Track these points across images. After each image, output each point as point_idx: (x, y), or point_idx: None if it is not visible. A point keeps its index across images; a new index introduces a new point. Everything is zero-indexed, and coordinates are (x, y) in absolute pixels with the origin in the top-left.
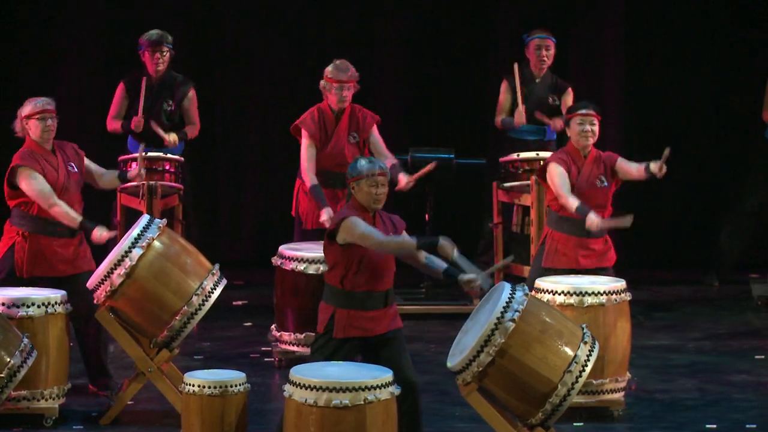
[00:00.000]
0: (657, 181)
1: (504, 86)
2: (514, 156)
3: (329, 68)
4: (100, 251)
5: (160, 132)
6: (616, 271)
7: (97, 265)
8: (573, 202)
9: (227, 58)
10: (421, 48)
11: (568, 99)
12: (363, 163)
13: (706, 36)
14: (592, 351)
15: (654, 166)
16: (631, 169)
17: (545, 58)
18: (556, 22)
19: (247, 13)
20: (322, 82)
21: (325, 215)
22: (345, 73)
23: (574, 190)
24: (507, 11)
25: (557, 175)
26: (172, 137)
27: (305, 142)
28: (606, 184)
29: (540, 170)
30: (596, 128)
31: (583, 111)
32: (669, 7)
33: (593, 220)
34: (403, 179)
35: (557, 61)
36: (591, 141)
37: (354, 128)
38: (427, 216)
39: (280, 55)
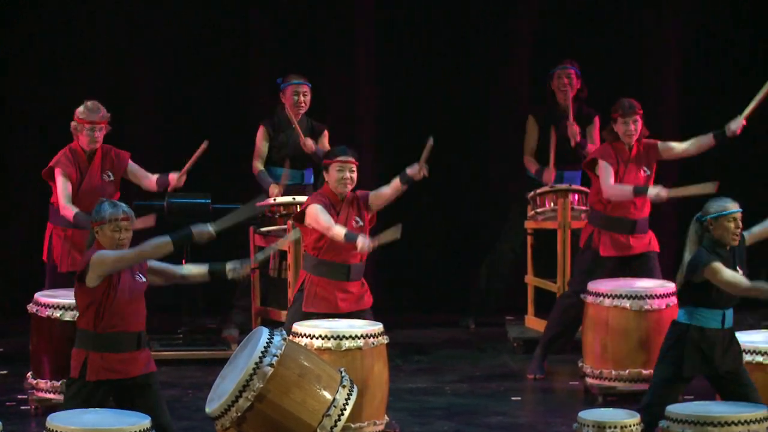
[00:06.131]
0: (414, 222)
1: (261, 132)
2: (271, 200)
3: (80, 109)
4: None
5: None
6: (374, 314)
7: None
8: (340, 230)
9: None
10: (177, 92)
11: (325, 141)
12: (106, 207)
13: (463, 75)
14: (351, 394)
15: (411, 170)
16: (385, 193)
17: (302, 104)
18: (311, 63)
19: (6, 53)
20: (73, 123)
21: None
22: (96, 114)
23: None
24: (266, 54)
25: (320, 212)
26: None
27: (61, 180)
28: (361, 224)
29: (297, 215)
30: (355, 175)
31: (342, 157)
32: (421, 45)
33: (363, 242)
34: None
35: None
36: (349, 187)
37: (108, 167)
38: (183, 261)
39: (34, 98)
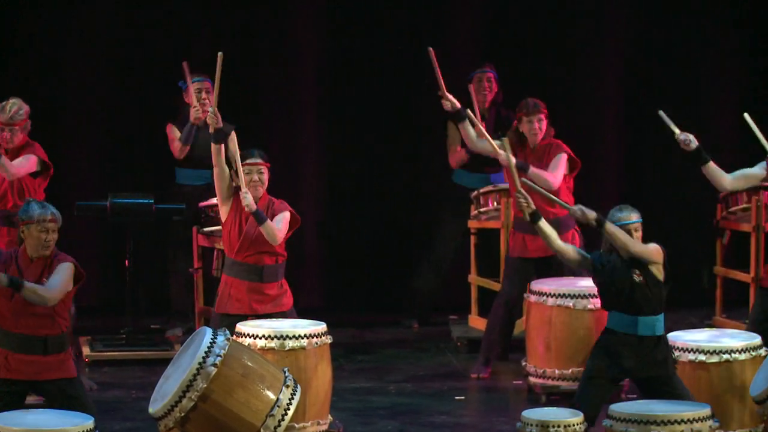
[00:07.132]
0: (355, 223)
1: (170, 128)
2: (214, 200)
3: None
4: None
5: None
6: (318, 314)
7: None
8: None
9: None
10: (115, 93)
11: (233, 142)
12: (35, 207)
13: (399, 78)
14: (294, 394)
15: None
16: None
17: (206, 101)
18: (252, 63)
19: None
20: None
21: None
22: (6, 115)
23: (249, 237)
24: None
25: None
26: None
27: None
28: None
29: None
30: (264, 176)
31: (251, 160)
32: (363, 47)
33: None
34: None
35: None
36: (260, 190)
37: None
38: (126, 261)
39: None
